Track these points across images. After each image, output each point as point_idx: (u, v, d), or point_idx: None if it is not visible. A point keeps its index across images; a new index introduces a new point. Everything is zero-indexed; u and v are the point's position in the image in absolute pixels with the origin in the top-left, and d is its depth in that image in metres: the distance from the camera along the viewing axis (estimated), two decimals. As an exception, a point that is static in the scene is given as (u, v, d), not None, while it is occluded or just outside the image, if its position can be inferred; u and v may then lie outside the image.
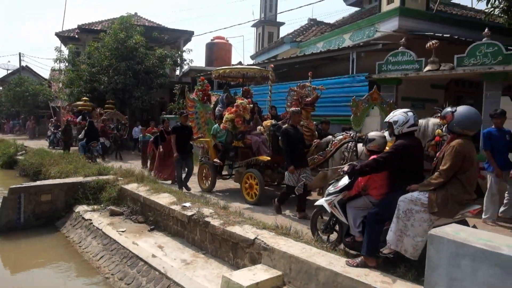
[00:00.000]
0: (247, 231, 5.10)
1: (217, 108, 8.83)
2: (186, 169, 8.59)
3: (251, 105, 8.00)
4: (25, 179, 13.04)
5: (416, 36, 9.54)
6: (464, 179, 3.57)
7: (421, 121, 5.14)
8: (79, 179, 9.70)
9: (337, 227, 4.77)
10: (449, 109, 3.75)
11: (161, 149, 9.83)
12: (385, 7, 11.04)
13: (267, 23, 22.56)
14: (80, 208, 8.79)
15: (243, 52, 68.99)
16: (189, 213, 6.25)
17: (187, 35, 24.65)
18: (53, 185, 9.30)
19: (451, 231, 2.80)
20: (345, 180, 4.43)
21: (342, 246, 4.59)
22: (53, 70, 22.38)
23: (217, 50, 24.41)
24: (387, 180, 4.15)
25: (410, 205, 3.68)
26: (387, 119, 4.23)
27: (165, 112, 19.76)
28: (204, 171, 8.82)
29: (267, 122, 7.59)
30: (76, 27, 23.44)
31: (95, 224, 7.79)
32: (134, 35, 18.38)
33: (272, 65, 8.40)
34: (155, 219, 7.37)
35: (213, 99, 9.57)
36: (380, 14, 10.85)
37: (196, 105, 8.76)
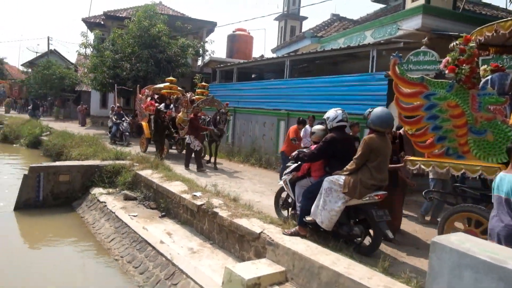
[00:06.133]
0: (253, 225, 5.13)
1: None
2: None
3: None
4: (48, 159, 13.48)
5: (439, 36, 9.26)
6: (372, 167, 4.28)
7: None
8: (97, 162, 9.95)
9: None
10: (369, 109, 4.47)
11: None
12: (409, 5, 10.76)
13: (290, 17, 22.29)
14: (96, 191, 9.03)
15: (265, 45, 68.30)
16: (199, 202, 6.32)
17: (210, 26, 24.60)
18: (71, 167, 9.59)
19: (456, 240, 2.72)
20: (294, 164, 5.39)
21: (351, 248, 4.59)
22: (78, 54, 22.70)
23: (239, 42, 24.34)
24: (323, 165, 4.96)
25: (331, 184, 4.48)
26: (324, 116, 4.96)
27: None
28: None
29: None
30: (102, 13, 23.74)
31: (109, 207, 7.99)
32: (158, 23, 18.46)
33: None
34: (166, 206, 7.49)
35: None
36: (403, 11, 10.56)
37: (434, 92, 4.51)
